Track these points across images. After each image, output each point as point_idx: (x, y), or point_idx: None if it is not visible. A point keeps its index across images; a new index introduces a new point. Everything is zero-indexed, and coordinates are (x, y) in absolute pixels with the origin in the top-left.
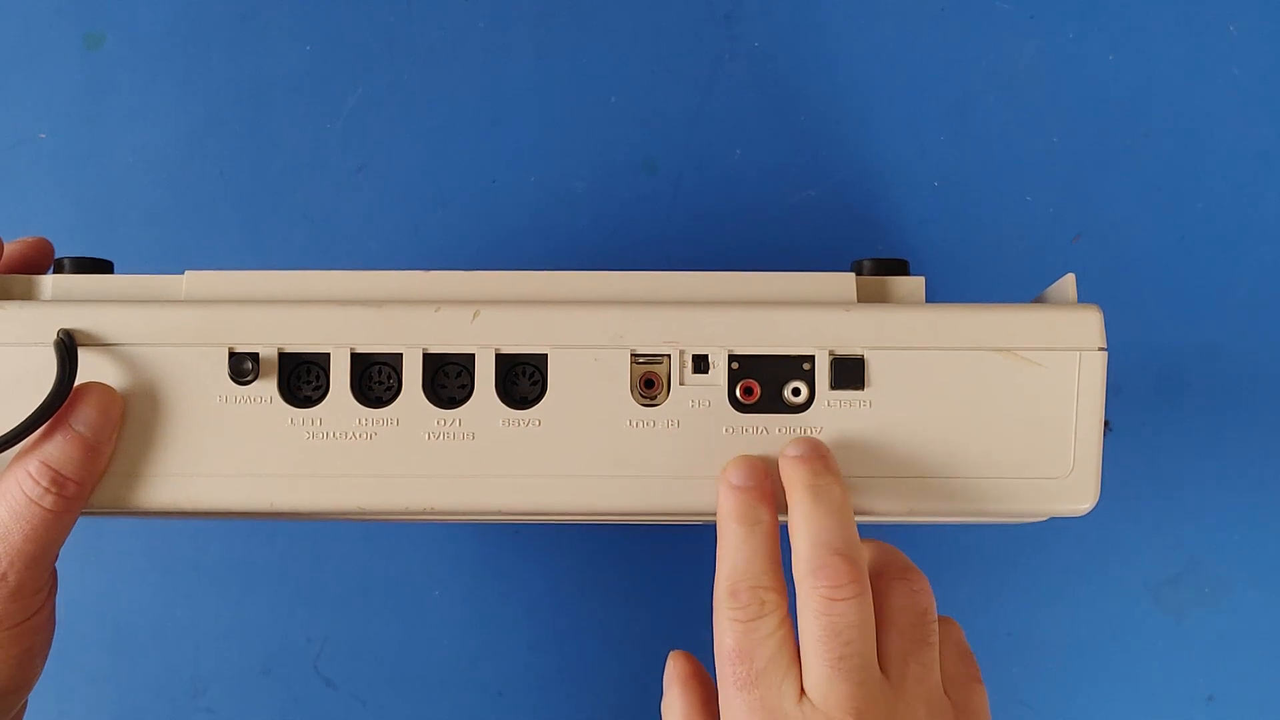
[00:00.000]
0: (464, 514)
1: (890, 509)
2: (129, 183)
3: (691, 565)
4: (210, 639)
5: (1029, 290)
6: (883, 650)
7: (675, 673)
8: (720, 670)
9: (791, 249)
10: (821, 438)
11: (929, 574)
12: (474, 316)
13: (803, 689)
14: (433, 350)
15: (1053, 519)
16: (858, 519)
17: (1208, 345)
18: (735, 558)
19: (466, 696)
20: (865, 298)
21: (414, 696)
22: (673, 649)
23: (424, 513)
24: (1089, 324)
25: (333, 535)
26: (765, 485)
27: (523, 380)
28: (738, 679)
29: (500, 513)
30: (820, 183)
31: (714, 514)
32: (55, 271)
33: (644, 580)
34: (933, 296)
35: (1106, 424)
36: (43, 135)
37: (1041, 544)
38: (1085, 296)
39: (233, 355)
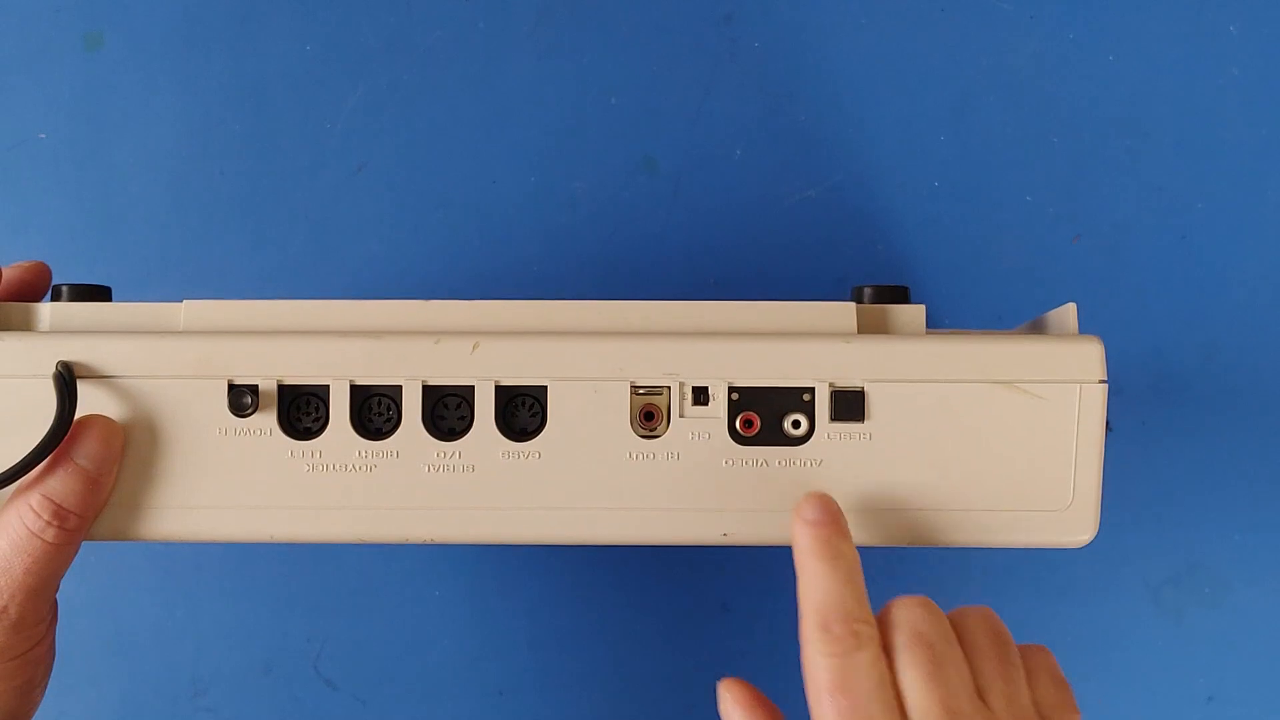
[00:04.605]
0: (464, 542)
1: (891, 539)
2: (129, 183)
3: (692, 566)
4: (210, 639)
5: (1028, 292)
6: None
7: (737, 700)
8: (818, 705)
9: (791, 249)
10: (821, 470)
11: (930, 575)
12: (473, 348)
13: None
14: (432, 382)
15: None
16: (859, 546)
17: (1207, 345)
18: (822, 592)
19: (466, 696)
20: (865, 327)
21: (414, 696)
22: (723, 677)
23: (424, 541)
24: (1090, 356)
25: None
26: (840, 520)
27: (522, 412)
28: (840, 710)
29: (500, 542)
30: (820, 183)
31: (712, 543)
32: (53, 299)
33: (643, 580)
34: (932, 297)
35: (1107, 425)
36: (43, 135)
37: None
38: (1085, 297)
39: (232, 388)
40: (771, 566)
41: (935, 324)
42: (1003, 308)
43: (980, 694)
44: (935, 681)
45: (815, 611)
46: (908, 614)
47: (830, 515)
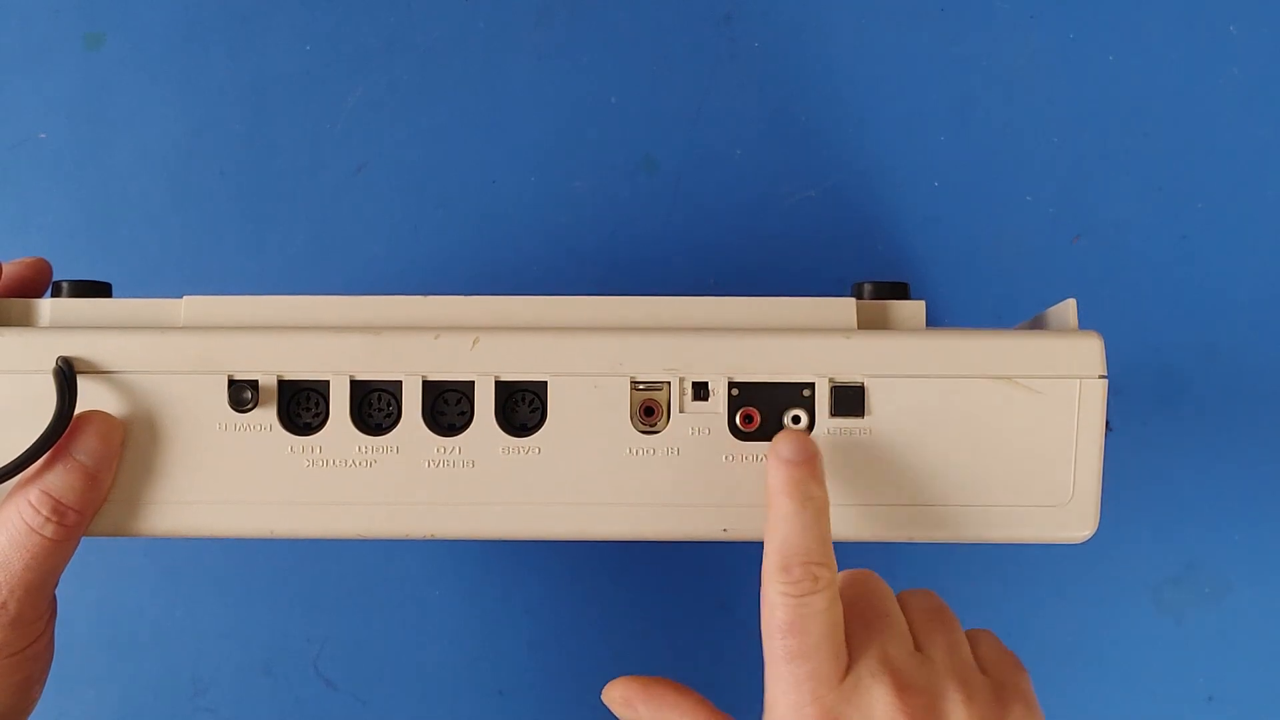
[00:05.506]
0: (465, 537)
1: (890, 534)
2: (129, 183)
3: (691, 565)
4: (210, 639)
5: (1028, 292)
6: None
7: (627, 696)
8: (769, 642)
9: (791, 249)
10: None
11: (929, 575)
12: (473, 344)
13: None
14: (432, 378)
15: None
16: (859, 541)
17: (1208, 345)
18: (786, 532)
19: (466, 696)
20: (865, 323)
21: (414, 696)
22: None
23: (425, 537)
24: (1090, 352)
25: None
26: (816, 461)
27: (522, 407)
28: (789, 651)
29: (500, 538)
30: (820, 183)
31: (712, 538)
32: (53, 294)
33: (644, 579)
34: (932, 297)
35: (1107, 425)
36: (43, 135)
37: (1041, 546)
38: (1085, 296)
39: (232, 383)
40: None
41: (935, 324)
42: (1003, 308)
43: (920, 649)
44: (873, 631)
45: (777, 551)
46: (851, 578)
47: (806, 455)
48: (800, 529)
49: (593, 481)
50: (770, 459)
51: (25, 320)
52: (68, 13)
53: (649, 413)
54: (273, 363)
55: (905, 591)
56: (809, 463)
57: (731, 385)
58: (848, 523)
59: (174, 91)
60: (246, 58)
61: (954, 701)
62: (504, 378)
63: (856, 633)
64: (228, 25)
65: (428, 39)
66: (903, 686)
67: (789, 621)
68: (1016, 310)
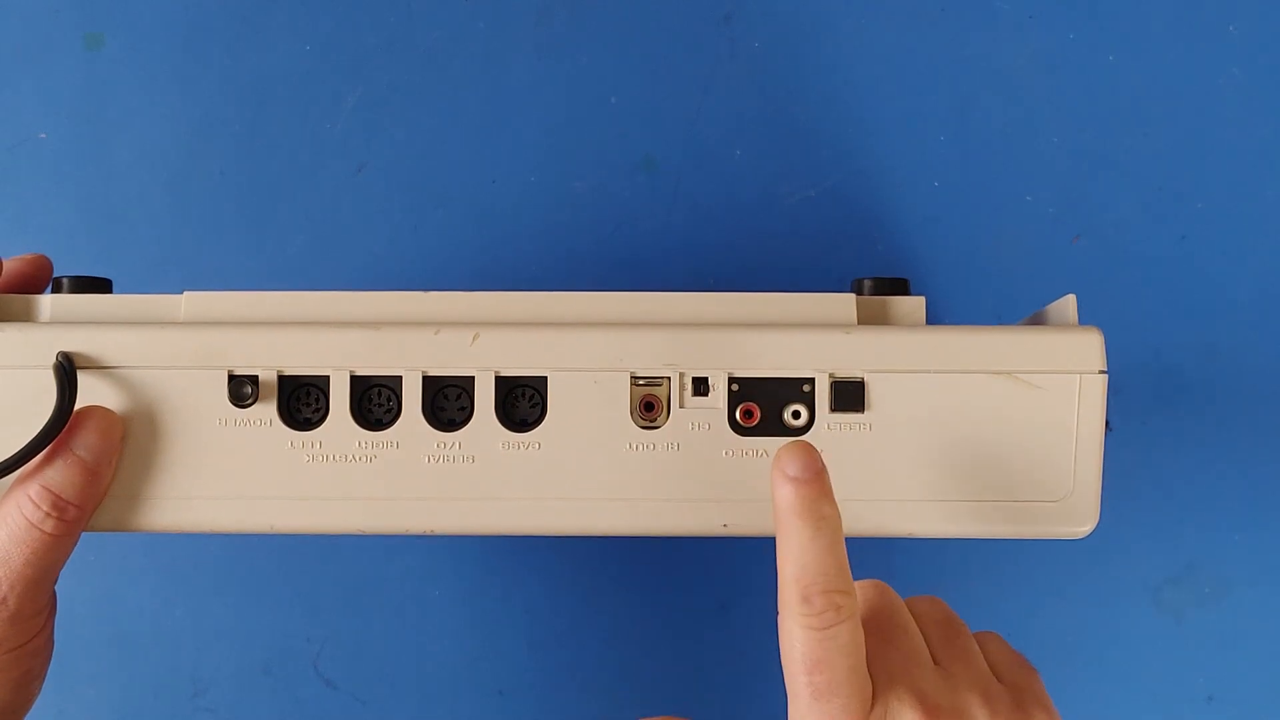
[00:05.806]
0: (464, 533)
1: (890, 530)
2: (129, 183)
3: (691, 565)
4: (210, 639)
5: (1028, 291)
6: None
7: None
8: (793, 679)
9: (791, 249)
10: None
11: (928, 574)
12: (473, 339)
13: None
14: (432, 373)
15: None
16: (859, 538)
17: (1207, 346)
18: (803, 559)
19: (466, 696)
20: (865, 319)
21: (414, 696)
22: None
23: (424, 533)
24: (1089, 347)
25: (332, 535)
26: (824, 476)
27: (522, 403)
28: (815, 689)
29: (500, 533)
30: (820, 183)
31: (712, 534)
32: (54, 291)
33: (644, 579)
34: (932, 297)
35: (1107, 424)
36: (43, 135)
37: (1041, 544)
38: (1085, 296)
39: (232, 378)
40: (770, 565)
41: (935, 324)
42: (1003, 308)
43: (938, 664)
44: (894, 651)
45: (796, 580)
46: (863, 594)
47: (814, 471)
48: (817, 555)
49: (593, 477)
50: (776, 476)
51: (26, 316)
52: (68, 13)
53: (649, 408)
54: (273, 358)
55: (912, 600)
56: (818, 479)
57: (731, 380)
58: (847, 519)
59: (174, 91)
60: (246, 58)
61: (979, 718)
62: (504, 373)
63: (877, 655)
64: (228, 25)
65: (428, 39)
66: (930, 710)
67: (814, 658)
68: (1016, 311)
